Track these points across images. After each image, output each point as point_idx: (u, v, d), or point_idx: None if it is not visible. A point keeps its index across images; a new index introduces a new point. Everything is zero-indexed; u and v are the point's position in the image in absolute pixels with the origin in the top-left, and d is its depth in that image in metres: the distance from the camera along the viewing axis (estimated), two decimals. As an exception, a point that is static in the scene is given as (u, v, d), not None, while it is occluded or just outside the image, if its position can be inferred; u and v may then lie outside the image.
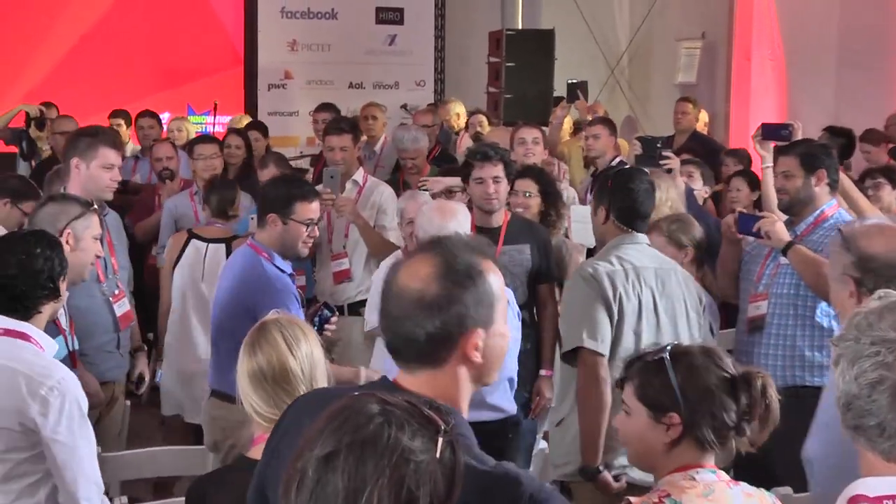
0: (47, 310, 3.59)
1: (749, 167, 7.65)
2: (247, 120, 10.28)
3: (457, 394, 2.17)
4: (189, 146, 7.75)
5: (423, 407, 1.69)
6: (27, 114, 9.12)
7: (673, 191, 5.69)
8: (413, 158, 7.51)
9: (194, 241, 6.15)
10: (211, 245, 6.10)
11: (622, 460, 4.09)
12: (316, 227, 4.76)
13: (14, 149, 9.06)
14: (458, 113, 10.72)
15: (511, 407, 4.67)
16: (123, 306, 5.09)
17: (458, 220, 4.80)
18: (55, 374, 3.43)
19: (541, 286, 5.53)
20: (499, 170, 5.43)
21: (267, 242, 4.68)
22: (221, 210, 6.22)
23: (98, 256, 4.48)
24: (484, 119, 10.38)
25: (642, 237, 4.42)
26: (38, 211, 4.43)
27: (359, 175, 6.70)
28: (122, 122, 9.78)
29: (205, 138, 7.84)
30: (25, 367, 3.40)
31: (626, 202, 4.38)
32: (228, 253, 5.89)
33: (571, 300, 4.34)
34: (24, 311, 3.51)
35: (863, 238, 3.27)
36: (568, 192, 6.82)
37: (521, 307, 5.17)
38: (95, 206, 4.50)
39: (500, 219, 5.50)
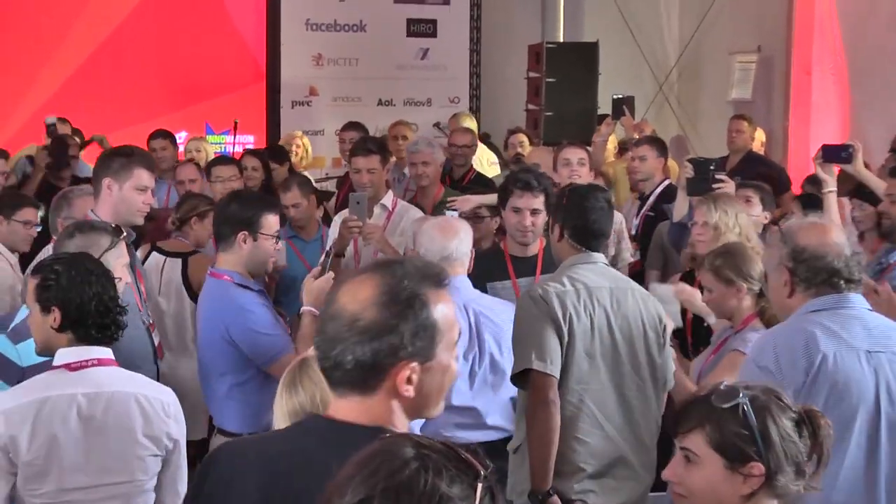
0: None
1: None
2: (305, 138, 10.29)
3: (392, 423, 2.20)
4: (206, 168, 7.72)
5: (461, 450, 1.68)
6: (30, 158, 9.08)
7: (743, 216, 5.60)
8: (425, 163, 7.28)
9: (154, 254, 6.33)
10: (169, 259, 6.28)
11: (585, 485, 4.25)
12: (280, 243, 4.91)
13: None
14: (474, 128, 10.63)
15: (512, 426, 4.66)
16: (156, 336, 5.22)
17: (461, 238, 4.89)
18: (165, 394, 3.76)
19: None
20: (539, 202, 5.41)
21: (232, 265, 4.72)
22: (183, 222, 6.41)
23: (127, 283, 4.52)
24: (525, 139, 10.32)
25: (598, 256, 4.52)
26: (65, 242, 4.44)
27: (387, 199, 6.65)
28: (167, 143, 9.30)
29: (222, 159, 7.86)
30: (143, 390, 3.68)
31: (581, 221, 4.50)
32: (185, 267, 6.18)
33: (520, 322, 4.40)
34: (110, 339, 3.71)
35: (798, 232, 3.70)
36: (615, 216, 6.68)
37: None
38: (125, 233, 4.56)
39: (535, 247, 5.50)
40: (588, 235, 4.51)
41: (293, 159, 9.64)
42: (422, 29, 13.33)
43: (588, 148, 7.39)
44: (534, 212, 5.39)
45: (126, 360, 4.83)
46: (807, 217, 3.94)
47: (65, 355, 3.58)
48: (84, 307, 3.58)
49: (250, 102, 12.78)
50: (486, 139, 12.50)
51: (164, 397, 3.67)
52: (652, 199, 7.59)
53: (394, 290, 2.18)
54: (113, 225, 4.58)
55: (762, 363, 3.51)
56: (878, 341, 3.55)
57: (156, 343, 5.16)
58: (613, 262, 6.28)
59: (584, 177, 6.62)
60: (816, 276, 3.62)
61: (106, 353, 3.63)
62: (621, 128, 9.77)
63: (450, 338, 2.22)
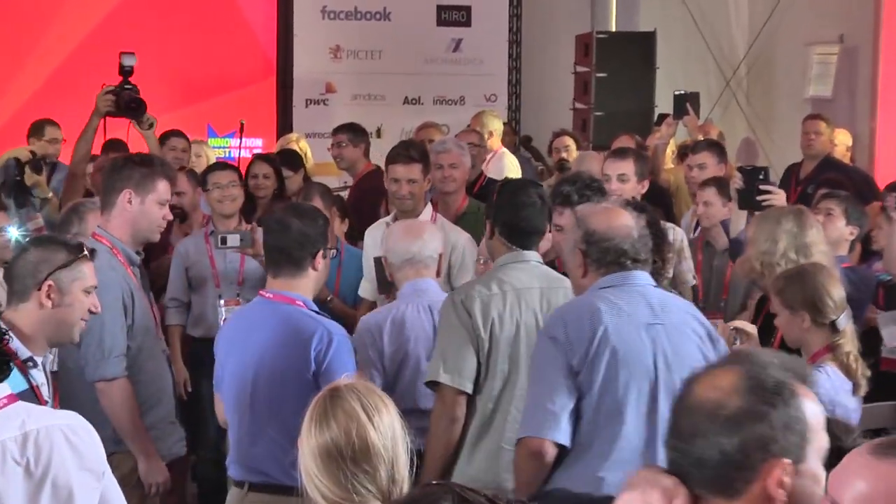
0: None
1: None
2: (302, 142, 10.22)
3: None
4: (202, 176, 7.65)
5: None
6: (17, 160, 9.01)
7: (814, 233, 5.55)
8: (453, 165, 7.20)
9: None
10: None
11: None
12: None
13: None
14: (491, 130, 10.50)
15: None
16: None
17: (425, 240, 5.32)
18: None
19: None
20: None
21: (306, 291, 4.83)
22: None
23: (92, 312, 4.47)
24: (571, 142, 10.26)
25: (531, 254, 4.91)
26: (18, 258, 4.40)
27: (426, 215, 6.61)
28: (186, 143, 9.20)
29: (218, 165, 7.77)
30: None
31: (511, 217, 4.90)
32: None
33: (439, 328, 4.86)
34: None
35: (589, 217, 4.44)
36: (674, 232, 6.70)
37: None
38: (86, 252, 4.45)
39: None
40: (519, 233, 4.90)
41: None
42: (454, 17, 13.34)
43: (642, 152, 7.30)
44: None
45: (149, 398, 5.05)
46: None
47: None
48: None
49: (259, 101, 12.80)
50: (526, 143, 12.50)
51: (83, 422, 3.52)
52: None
53: (760, 377, 2.25)
54: (75, 242, 4.53)
55: (552, 334, 4.24)
56: (657, 315, 4.28)
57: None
58: (673, 285, 6.24)
59: (628, 193, 6.58)
60: (605, 256, 4.34)
61: (5, 389, 3.44)
62: (685, 128, 9.69)
63: (822, 443, 2.27)
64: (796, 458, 2.22)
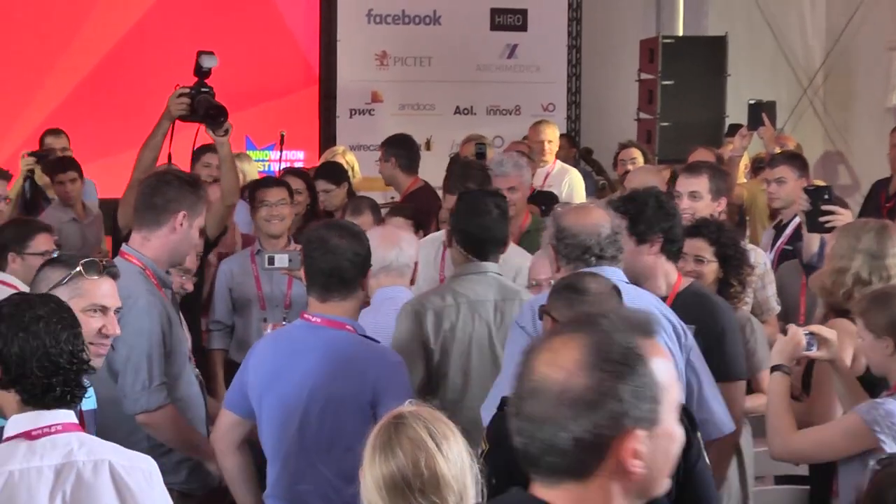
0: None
1: None
2: (349, 155, 10.26)
3: None
4: (249, 191, 7.78)
5: None
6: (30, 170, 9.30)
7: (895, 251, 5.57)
8: (511, 189, 7.32)
9: None
10: None
11: None
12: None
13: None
14: (550, 140, 10.65)
15: None
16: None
17: (401, 248, 5.59)
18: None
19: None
20: None
21: (352, 313, 4.86)
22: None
23: (105, 335, 4.45)
24: (638, 155, 10.28)
25: (488, 265, 5.39)
26: (34, 279, 4.55)
27: None
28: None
29: (267, 181, 7.88)
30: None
31: (469, 226, 5.40)
32: None
33: (393, 336, 5.26)
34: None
35: (563, 214, 5.02)
36: (756, 255, 6.67)
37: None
38: (80, 269, 4.41)
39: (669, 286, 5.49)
40: (476, 242, 5.42)
41: None
42: (509, 20, 13.39)
43: (720, 168, 7.32)
44: None
45: None
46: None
47: (19, 422, 3.54)
48: (26, 363, 3.53)
49: (300, 111, 12.95)
50: (587, 155, 12.54)
51: (146, 466, 3.59)
52: (790, 229, 7.53)
53: (604, 349, 2.22)
54: (79, 257, 4.52)
55: (521, 323, 4.68)
56: None
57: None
58: (756, 312, 6.31)
59: (701, 212, 6.59)
60: (572, 252, 4.85)
61: (69, 416, 3.58)
62: (760, 140, 9.70)
63: (673, 397, 2.26)
64: (650, 424, 2.21)
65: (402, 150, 9.26)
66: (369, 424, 4.25)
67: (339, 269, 4.75)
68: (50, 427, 3.53)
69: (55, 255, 4.88)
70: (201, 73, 7.02)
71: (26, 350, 3.52)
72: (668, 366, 2.27)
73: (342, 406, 4.65)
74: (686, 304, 5.41)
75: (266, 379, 4.79)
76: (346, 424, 4.62)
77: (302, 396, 4.72)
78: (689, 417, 4.21)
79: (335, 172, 9.08)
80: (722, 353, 5.41)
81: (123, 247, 5.34)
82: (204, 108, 6.85)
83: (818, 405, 5.27)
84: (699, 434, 4.39)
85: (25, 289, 6.24)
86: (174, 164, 7.31)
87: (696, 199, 6.72)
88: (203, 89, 6.99)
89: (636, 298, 4.79)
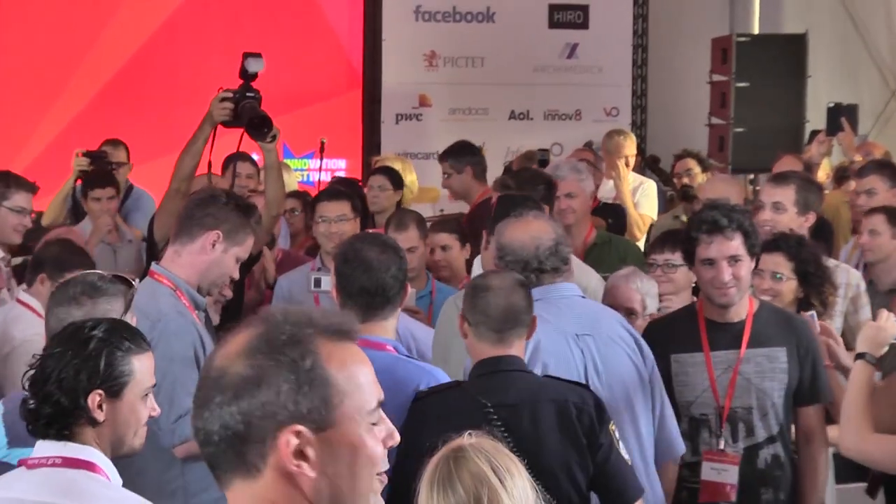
0: (89, 435, 3.75)
1: None
2: (399, 163, 10.03)
3: None
4: (311, 204, 7.82)
5: None
6: (82, 171, 9.37)
7: None
8: (570, 195, 7.35)
9: None
10: None
11: None
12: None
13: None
14: (629, 155, 10.61)
15: None
16: None
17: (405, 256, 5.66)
18: None
19: (804, 409, 5.50)
20: (737, 245, 5.39)
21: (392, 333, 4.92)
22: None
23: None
24: (694, 165, 10.27)
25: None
26: (76, 307, 4.53)
27: None
28: (254, 168, 9.05)
29: (329, 193, 7.88)
30: None
31: None
32: None
33: (437, 328, 5.72)
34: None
35: (501, 230, 5.26)
36: (849, 275, 6.67)
37: (772, 438, 5.36)
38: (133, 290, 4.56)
39: (742, 310, 5.48)
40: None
41: None
42: (568, 18, 13.40)
43: (811, 180, 7.28)
44: (733, 260, 5.36)
45: (196, 476, 5.00)
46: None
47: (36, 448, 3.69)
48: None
49: (341, 116, 13.00)
50: (653, 164, 12.52)
51: None
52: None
53: (270, 336, 2.23)
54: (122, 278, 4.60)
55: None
56: (585, 325, 5.05)
57: None
58: (847, 340, 6.22)
59: (783, 226, 6.58)
60: (513, 268, 5.02)
61: (81, 451, 3.68)
62: (839, 146, 9.69)
63: (359, 404, 2.26)
64: (317, 425, 2.19)
65: (475, 157, 9.36)
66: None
67: (383, 287, 4.77)
68: (46, 459, 3.62)
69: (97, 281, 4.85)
70: (247, 76, 7.02)
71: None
72: (357, 373, 2.27)
73: None
74: (770, 322, 5.47)
75: None
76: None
77: None
78: (598, 411, 4.56)
79: (396, 175, 9.15)
80: (814, 372, 5.49)
81: (153, 266, 5.36)
82: (248, 116, 6.83)
83: (890, 394, 5.27)
84: (611, 427, 4.59)
85: (43, 311, 6.38)
86: (215, 174, 7.37)
87: (780, 211, 6.73)
88: (248, 94, 6.98)
89: (595, 314, 5.20)
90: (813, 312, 5.81)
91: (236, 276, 5.41)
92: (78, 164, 9.22)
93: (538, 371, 4.79)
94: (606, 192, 10.24)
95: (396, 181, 8.95)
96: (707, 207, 5.68)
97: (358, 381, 2.27)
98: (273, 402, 2.18)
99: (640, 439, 5.09)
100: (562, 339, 5.01)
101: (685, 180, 9.89)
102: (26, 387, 3.72)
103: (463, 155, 9.33)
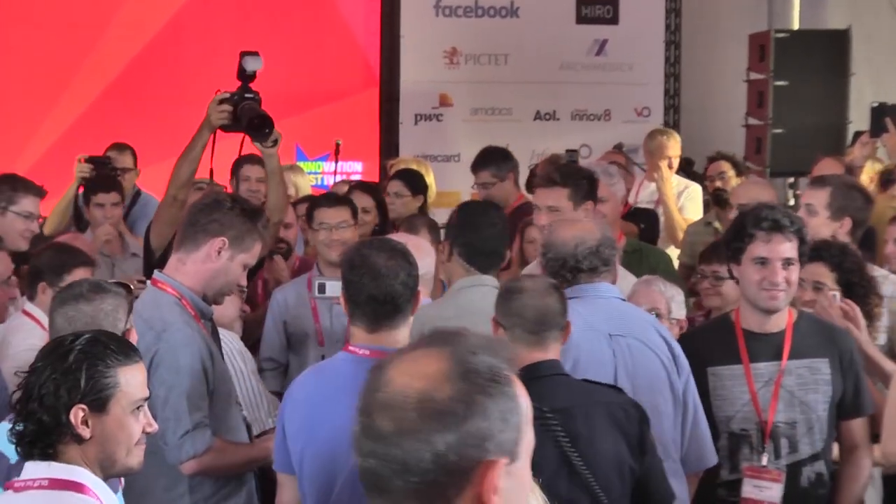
0: (76, 453, 3.73)
1: None
2: (415, 165, 10.09)
3: None
4: (307, 209, 7.80)
5: None
6: (86, 177, 9.29)
7: None
8: (600, 200, 7.21)
9: None
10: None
11: None
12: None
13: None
14: (671, 157, 10.64)
15: None
16: None
17: (424, 258, 5.70)
18: None
19: (848, 423, 5.50)
20: (792, 248, 5.41)
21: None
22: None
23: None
24: (728, 169, 10.23)
25: (488, 278, 5.89)
26: (84, 303, 4.57)
27: None
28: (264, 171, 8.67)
29: (328, 199, 7.84)
30: None
31: (471, 238, 5.97)
32: None
33: None
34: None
35: (551, 230, 5.62)
36: (890, 282, 6.59)
37: (816, 455, 5.38)
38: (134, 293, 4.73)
39: (782, 320, 5.49)
40: (478, 254, 5.96)
41: None
42: (597, 13, 13.39)
43: (851, 183, 7.25)
44: (787, 262, 5.38)
45: (224, 478, 5.14)
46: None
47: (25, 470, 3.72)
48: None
49: (358, 116, 13.01)
50: (687, 167, 12.46)
51: None
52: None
53: (471, 361, 2.26)
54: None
55: None
56: (619, 326, 5.26)
57: None
58: (892, 354, 6.20)
59: (814, 230, 6.46)
60: (552, 266, 5.36)
61: (68, 471, 3.69)
62: (883, 148, 9.63)
63: (530, 440, 2.32)
64: (512, 457, 2.24)
65: (513, 161, 9.41)
66: None
67: (392, 295, 4.75)
68: (33, 481, 3.66)
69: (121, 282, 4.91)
70: (245, 76, 6.97)
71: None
72: (528, 401, 2.32)
73: None
74: (810, 333, 5.49)
75: (307, 424, 4.77)
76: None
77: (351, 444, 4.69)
78: (640, 413, 4.77)
79: (416, 179, 9.14)
80: (857, 385, 5.50)
81: (156, 274, 5.35)
82: (247, 118, 6.79)
83: None
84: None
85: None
86: (216, 182, 7.34)
87: (811, 214, 6.73)
88: (247, 95, 6.92)
89: (632, 317, 5.41)
90: (836, 293, 5.88)
91: (243, 283, 5.46)
92: (80, 170, 9.12)
93: (568, 367, 4.93)
94: (648, 195, 10.22)
95: (415, 186, 8.95)
96: (766, 206, 5.66)
97: (530, 414, 2.34)
98: (483, 433, 2.21)
99: (664, 446, 5.15)
100: (595, 337, 5.21)
101: (718, 184, 9.83)
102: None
103: (505, 162, 9.36)
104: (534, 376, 4.50)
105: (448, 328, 2.36)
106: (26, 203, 7.42)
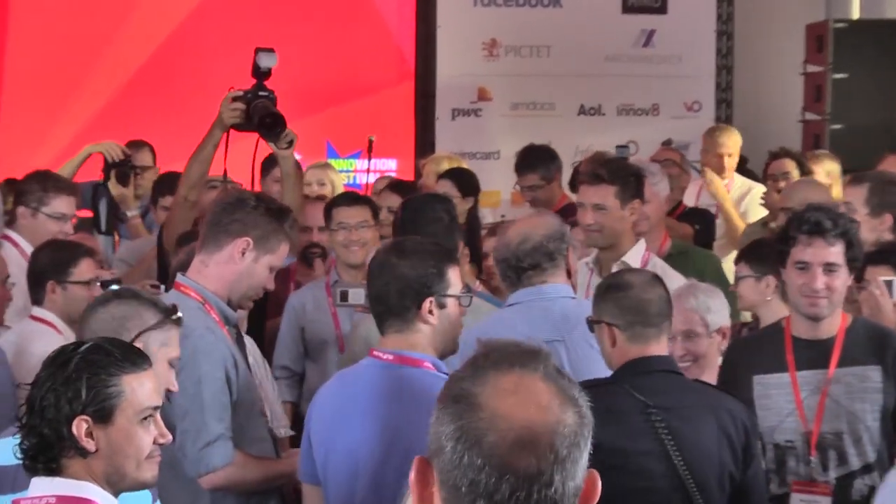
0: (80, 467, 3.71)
1: None
2: (448, 162, 10.02)
3: None
4: (325, 210, 7.77)
5: None
6: (104, 159, 9.16)
7: None
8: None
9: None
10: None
11: None
12: None
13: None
14: (731, 154, 10.68)
15: None
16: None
17: None
18: None
19: None
20: (836, 252, 5.39)
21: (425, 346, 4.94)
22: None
23: (169, 391, 4.58)
24: (793, 168, 10.15)
25: None
26: (95, 311, 4.59)
27: (635, 254, 6.78)
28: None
29: (345, 198, 7.87)
30: None
31: (414, 234, 5.91)
32: None
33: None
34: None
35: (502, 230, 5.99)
36: None
37: (868, 466, 5.38)
38: (180, 315, 4.61)
39: (833, 325, 5.50)
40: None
41: None
42: (644, 2, 13.37)
43: (887, 176, 7.23)
44: (829, 268, 5.36)
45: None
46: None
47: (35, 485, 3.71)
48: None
49: (392, 112, 13.00)
50: (740, 164, 12.39)
51: None
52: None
53: (560, 379, 2.43)
54: (170, 304, 4.66)
55: (466, 353, 5.00)
56: (559, 330, 5.46)
57: None
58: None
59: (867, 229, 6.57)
60: (500, 270, 5.71)
61: (75, 487, 3.67)
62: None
63: None
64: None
65: (558, 161, 9.51)
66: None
67: (383, 296, 4.83)
68: (39, 499, 3.67)
69: (119, 287, 4.89)
70: (260, 74, 7.07)
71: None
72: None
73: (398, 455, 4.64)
74: (863, 339, 5.48)
75: (330, 431, 4.82)
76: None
77: (374, 452, 4.75)
78: (750, 421, 4.92)
79: (466, 180, 9.06)
80: None
81: (179, 277, 5.34)
82: (258, 116, 6.88)
83: None
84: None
85: (63, 325, 6.37)
86: (232, 180, 7.34)
87: (850, 212, 6.63)
88: (261, 93, 7.01)
89: (573, 318, 5.46)
90: (893, 279, 5.91)
91: (271, 286, 5.40)
92: (91, 149, 8.99)
93: None
94: (711, 196, 10.16)
95: (466, 187, 8.88)
96: (811, 208, 5.68)
97: None
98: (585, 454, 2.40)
99: None
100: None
101: (782, 184, 9.75)
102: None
103: (552, 162, 9.47)
104: (646, 370, 4.84)
105: (507, 345, 2.48)
106: (58, 204, 7.40)
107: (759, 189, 10.40)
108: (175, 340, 4.56)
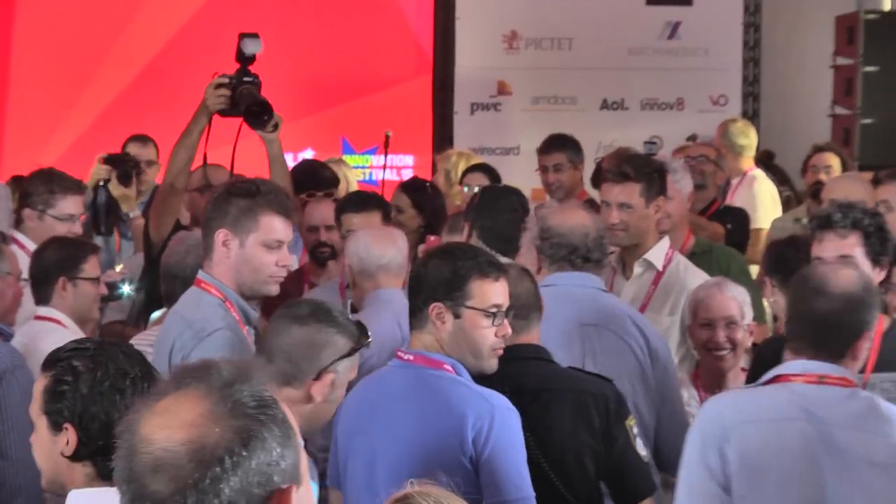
0: None
1: None
2: (469, 159, 10.12)
3: None
4: (335, 213, 7.77)
5: None
6: (105, 161, 9.25)
7: None
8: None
9: None
10: None
11: None
12: None
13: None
14: (742, 145, 10.70)
15: None
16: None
17: (399, 247, 6.45)
18: None
19: None
20: (850, 244, 5.45)
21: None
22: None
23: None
24: (835, 162, 10.18)
25: (505, 262, 5.93)
26: (289, 327, 4.69)
27: (658, 252, 6.83)
28: None
29: (353, 200, 7.88)
30: None
31: (490, 221, 6.54)
32: None
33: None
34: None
35: (548, 214, 6.09)
36: None
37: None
38: (369, 340, 4.73)
39: None
40: (496, 238, 6.40)
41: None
42: (669, -7, 13.34)
43: None
44: (845, 260, 5.35)
45: None
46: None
47: (78, 500, 3.58)
48: (111, 428, 3.54)
49: (409, 106, 13.03)
50: (767, 160, 12.41)
51: None
52: None
53: (233, 395, 2.33)
54: (351, 320, 4.73)
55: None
56: (593, 316, 5.79)
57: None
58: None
59: (892, 224, 6.50)
60: (557, 252, 5.84)
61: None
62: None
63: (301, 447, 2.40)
64: (297, 482, 2.33)
65: (583, 154, 9.51)
66: (472, 486, 4.58)
67: (409, 290, 5.08)
68: None
69: (317, 305, 4.92)
70: (244, 59, 7.13)
71: (114, 414, 3.56)
72: (294, 422, 2.38)
73: (436, 464, 4.63)
74: None
75: (350, 432, 4.93)
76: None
77: (389, 453, 4.81)
78: (619, 401, 5.19)
79: (498, 175, 9.21)
80: None
81: (200, 273, 5.33)
82: (245, 103, 6.93)
83: None
84: (629, 423, 5.20)
85: (71, 324, 6.43)
86: (212, 165, 7.42)
87: (888, 210, 6.73)
88: (246, 79, 7.07)
89: (607, 308, 5.91)
90: None
91: (287, 262, 5.35)
92: (97, 173, 8.88)
93: None
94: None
95: (497, 180, 8.96)
96: (832, 204, 5.75)
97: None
98: (268, 467, 2.33)
99: None
100: (560, 329, 5.67)
101: (821, 176, 9.77)
102: None
103: (579, 150, 9.45)
104: (513, 357, 5.07)
105: (189, 364, 2.38)
106: (65, 205, 7.41)
107: (764, 181, 10.45)
108: (356, 362, 4.69)
